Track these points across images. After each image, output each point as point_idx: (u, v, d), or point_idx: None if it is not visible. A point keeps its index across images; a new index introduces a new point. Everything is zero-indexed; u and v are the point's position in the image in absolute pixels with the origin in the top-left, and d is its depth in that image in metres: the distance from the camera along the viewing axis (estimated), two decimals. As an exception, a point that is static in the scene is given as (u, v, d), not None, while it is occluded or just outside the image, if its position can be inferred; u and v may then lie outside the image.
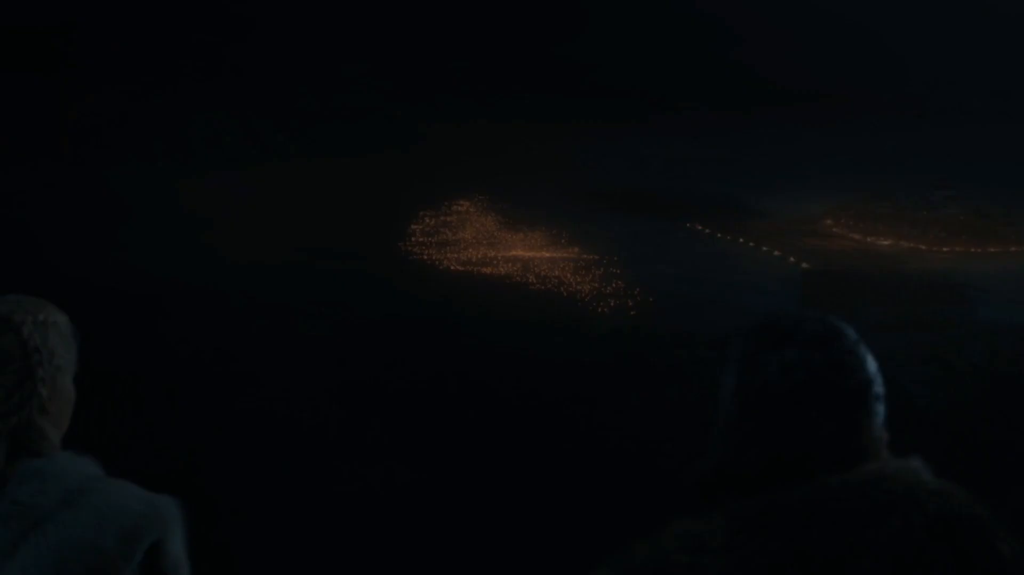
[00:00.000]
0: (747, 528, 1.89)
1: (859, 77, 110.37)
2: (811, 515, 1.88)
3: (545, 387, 32.27)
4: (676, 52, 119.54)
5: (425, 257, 56.43)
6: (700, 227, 64.27)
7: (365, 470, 25.67)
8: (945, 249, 58.93)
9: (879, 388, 2.09)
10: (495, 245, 59.64)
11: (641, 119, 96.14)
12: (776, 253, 57.22)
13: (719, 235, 62.26)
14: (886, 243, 61.00)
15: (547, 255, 56.85)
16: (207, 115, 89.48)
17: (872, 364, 2.10)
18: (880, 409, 2.09)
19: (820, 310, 2.24)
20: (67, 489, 2.21)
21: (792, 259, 55.78)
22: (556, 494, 23.98)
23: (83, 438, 2.49)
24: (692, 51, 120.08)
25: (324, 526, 22.53)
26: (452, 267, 54.34)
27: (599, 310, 44.91)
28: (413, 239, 60.85)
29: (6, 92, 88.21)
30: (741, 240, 60.63)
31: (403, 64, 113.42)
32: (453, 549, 21.39)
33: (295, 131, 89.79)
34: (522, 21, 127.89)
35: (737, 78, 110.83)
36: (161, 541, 2.27)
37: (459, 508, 23.42)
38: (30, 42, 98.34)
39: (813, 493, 1.92)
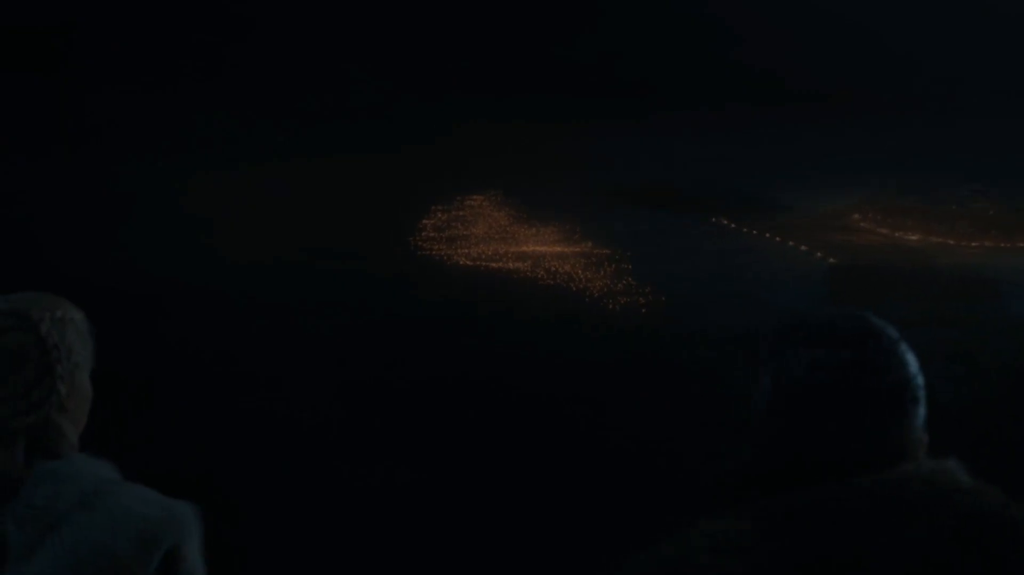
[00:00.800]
0: (773, 528, 1.85)
1: (883, 75, 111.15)
2: (838, 516, 1.84)
3: (557, 386, 31.96)
4: (696, 51, 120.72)
5: (433, 253, 56.17)
6: (726, 222, 64.04)
7: (369, 469, 25.33)
8: (974, 244, 58.27)
9: (918, 390, 2.00)
10: (507, 240, 59.35)
11: (662, 117, 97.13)
12: (803, 248, 56.70)
13: (745, 230, 61.95)
14: (915, 238, 60.33)
15: (561, 250, 56.43)
16: (208, 115, 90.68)
17: (912, 365, 2.01)
18: (919, 411, 2.01)
19: (848, 305, 2.24)
20: (83, 491, 2.18)
21: (819, 254, 55.23)
22: (562, 494, 23.83)
23: (96, 437, 2.40)
24: (712, 50, 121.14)
25: (325, 526, 22.12)
26: (462, 262, 54.04)
27: (618, 306, 44.39)
28: (423, 234, 60.84)
29: (7, 92, 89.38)
30: (768, 235, 60.20)
31: (411, 64, 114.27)
32: (461, 549, 21.14)
33: (297, 131, 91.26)
34: (531, 20, 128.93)
35: (758, 77, 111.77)
36: (178, 546, 2.22)
37: (467, 508, 23.17)
38: (30, 42, 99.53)
39: (841, 493, 1.87)
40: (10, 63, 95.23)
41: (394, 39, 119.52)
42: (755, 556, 1.82)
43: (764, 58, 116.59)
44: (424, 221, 63.63)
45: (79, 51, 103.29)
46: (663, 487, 22.59)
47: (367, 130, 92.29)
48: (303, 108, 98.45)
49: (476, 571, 20.06)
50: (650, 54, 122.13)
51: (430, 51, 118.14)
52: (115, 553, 2.11)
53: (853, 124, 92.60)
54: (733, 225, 63.07)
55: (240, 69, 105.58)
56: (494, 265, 53.23)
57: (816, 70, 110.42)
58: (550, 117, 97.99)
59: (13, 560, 2.10)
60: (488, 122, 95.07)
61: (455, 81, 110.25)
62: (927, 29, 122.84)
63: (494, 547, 20.95)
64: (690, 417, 28.39)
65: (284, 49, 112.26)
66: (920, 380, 2.00)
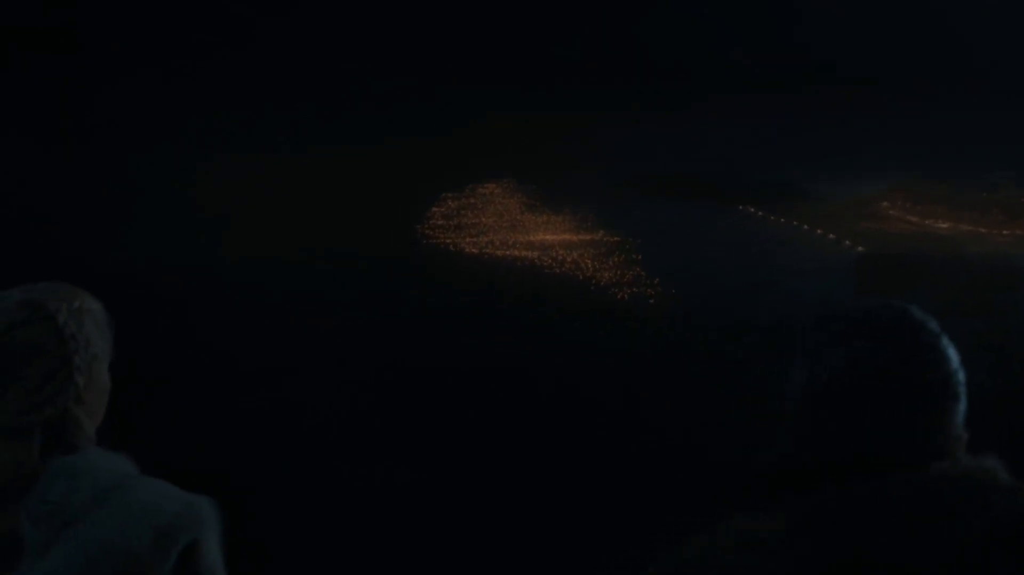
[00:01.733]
0: (805, 527, 1.83)
1: (915, 59, 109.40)
2: (872, 515, 1.82)
3: (585, 376, 31.64)
4: (730, 34, 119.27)
5: (449, 245, 55.81)
6: (753, 210, 63.47)
7: (381, 465, 25.16)
8: (1005, 232, 57.35)
9: (959, 386, 1.96)
10: (523, 230, 59.02)
11: (693, 102, 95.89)
12: (831, 236, 56.15)
13: (772, 218, 61.40)
14: (944, 226, 59.56)
15: (584, 239, 56.03)
16: (218, 109, 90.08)
17: (953, 360, 1.97)
18: (958, 407, 1.96)
19: (883, 296, 2.16)
20: (99, 487, 2.13)
21: (848, 242, 54.66)
22: (579, 489, 23.55)
23: (114, 431, 2.39)
24: (746, 33, 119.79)
25: (340, 522, 22.08)
26: (475, 251, 53.76)
27: (639, 296, 44.01)
28: (437, 223, 60.62)
29: (16, 86, 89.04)
30: (795, 223, 59.64)
31: (441, 49, 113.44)
32: (472, 547, 20.93)
33: (319, 119, 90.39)
34: (555, 8, 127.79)
35: (791, 60, 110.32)
36: (197, 542, 2.16)
37: (479, 504, 22.89)
38: (40, 36, 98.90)
39: (875, 492, 1.85)
40: (21, 57, 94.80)
41: (412, 30, 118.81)
42: (785, 555, 1.82)
43: (791, 46, 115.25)
44: (439, 208, 63.44)
45: (87, 46, 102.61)
46: (685, 484, 22.29)
47: (382, 122, 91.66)
48: (331, 95, 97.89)
49: (496, 568, 19.95)
50: (677, 41, 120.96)
51: (450, 42, 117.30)
52: (131, 549, 2.09)
53: (882, 111, 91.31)
54: (760, 213, 62.54)
55: (250, 63, 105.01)
56: (516, 253, 52.94)
57: (845, 58, 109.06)
58: (576, 107, 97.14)
59: (28, 556, 2.08)
60: (510, 113, 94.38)
61: (474, 72, 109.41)
62: (953, 18, 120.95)
63: (507, 545, 20.86)
64: (714, 409, 27.97)
65: (315, 34, 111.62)
66: (961, 376, 1.98)
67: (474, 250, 53.61)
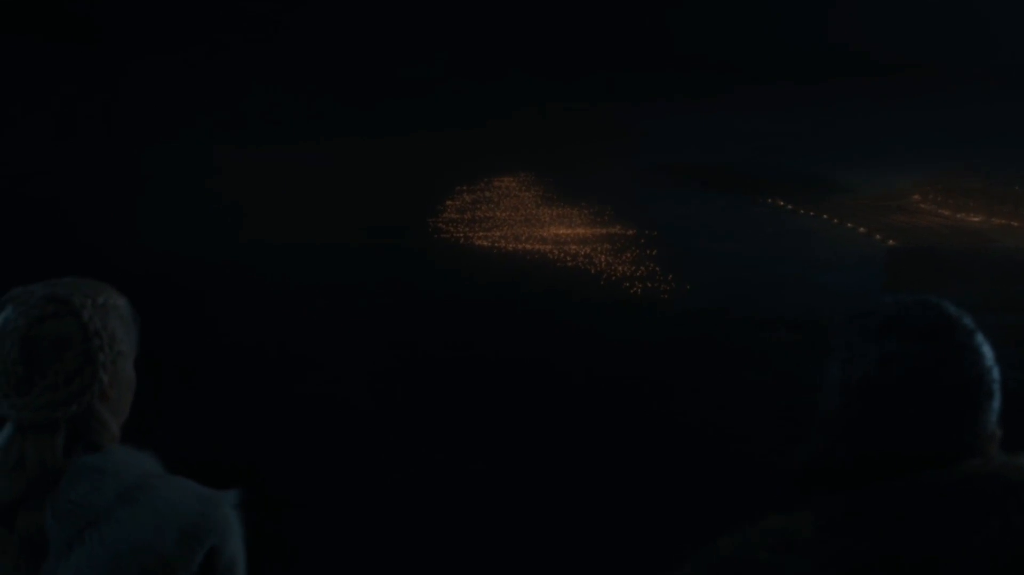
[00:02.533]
0: (834, 526, 1.85)
1: (949, 47, 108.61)
2: (902, 514, 1.82)
3: (615, 369, 30.65)
4: (762, 21, 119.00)
5: (460, 239, 55.67)
6: (781, 203, 63.31)
7: (406, 458, 24.37)
8: (1038, 226, 56.51)
9: (993, 383, 1.96)
10: (544, 224, 58.79)
11: (722, 92, 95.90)
12: (861, 230, 55.67)
13: (801, 211, 61.20)
14: (976, 220, 58.86)
15: (604, 232, 55.73)
16: (262, 88, 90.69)
17: (987, 358, 1.97)
18: (993, 404, 1.97)
19: (908, 289, 2.02)
20: (125, 486, 2.16)
21: (878, 236, 54.10)
22: (607, 483, 22.29)
23: (135, 428, 2.42)
24: (778, 20, 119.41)
25: (385, 518, 21.12)
26: (498, 246, 53.49)
27: (664, 288, 43.55)
28: (451, 216, 60.64)
29: (40, 70, 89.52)
30: (824, 216, 59.38)
31: (462, 40, 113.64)
32: (520, 542, 19.71)
33: (337, 110, 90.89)
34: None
35: (824, 48, 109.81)
36: (221, 541, 2.20)
37: (490, 500, 21.83)
38: (65, 17, 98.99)
39: (905, 490, 1.86)
40: (38, 45, 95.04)
41: (433, 20, 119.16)
42: (817, 555, 1.80)
43: (850, 29, 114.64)
44: (465, 198, 63.82)
45: (105, 35, 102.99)
46: (710, 481, 22.15)
47: (400, 113, 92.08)
48: (363, 82, 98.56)
49: (523, 564, 19.92)
50: (712, 28, 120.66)
51: (471, 32, 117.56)
52: (158, 551, 2.08)
53: (915, 102, 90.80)
54: (788, 206, 62.30)
55: (268, 53, 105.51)
56: (528, 246, 52.55)
57: (877, 47, 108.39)
58: (599, 97, 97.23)
59: (53, 556, 2.08)
60: (531, 104, 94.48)
61: (495, 62, 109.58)
62: (987, 6, 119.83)
63: (534, 540, 20.00)
64: (740, 404, 27.87)
65: (345, 21, 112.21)
66: (996, 373, 1.95)
67: (485, 243, 53.30)
